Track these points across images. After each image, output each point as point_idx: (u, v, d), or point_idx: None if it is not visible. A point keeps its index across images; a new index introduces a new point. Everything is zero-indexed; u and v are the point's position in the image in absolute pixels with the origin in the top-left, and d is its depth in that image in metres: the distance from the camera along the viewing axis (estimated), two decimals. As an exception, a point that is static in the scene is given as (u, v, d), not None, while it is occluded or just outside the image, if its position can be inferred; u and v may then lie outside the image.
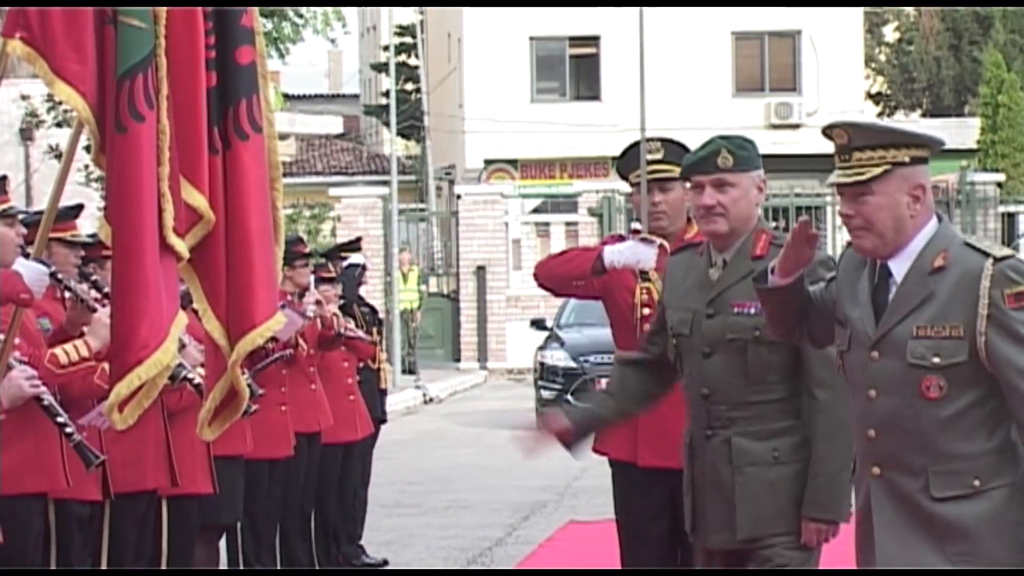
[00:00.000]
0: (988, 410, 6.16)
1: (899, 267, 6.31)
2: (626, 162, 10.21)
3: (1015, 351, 6.00)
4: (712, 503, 7.76)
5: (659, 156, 9.74)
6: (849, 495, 7.45)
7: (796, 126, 56.36)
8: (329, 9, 56.78)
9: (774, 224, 41.31)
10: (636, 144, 10.10)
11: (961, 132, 50.93)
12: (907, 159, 6.23)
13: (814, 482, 7.62)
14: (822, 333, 6.71)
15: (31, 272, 9.74)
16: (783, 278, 6.54)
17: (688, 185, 8.23)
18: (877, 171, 6.20)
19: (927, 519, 6.18)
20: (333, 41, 67.18)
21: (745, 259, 7.68)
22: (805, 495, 7.65)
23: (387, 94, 54.25)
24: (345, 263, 18.32)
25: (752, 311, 7.48)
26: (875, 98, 71.07)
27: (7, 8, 9.83)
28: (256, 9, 9.79)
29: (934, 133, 6.59)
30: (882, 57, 70.52)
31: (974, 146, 51.96)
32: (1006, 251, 6.18)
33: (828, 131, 6.35)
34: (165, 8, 8.84)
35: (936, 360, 6.10)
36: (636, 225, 10.55)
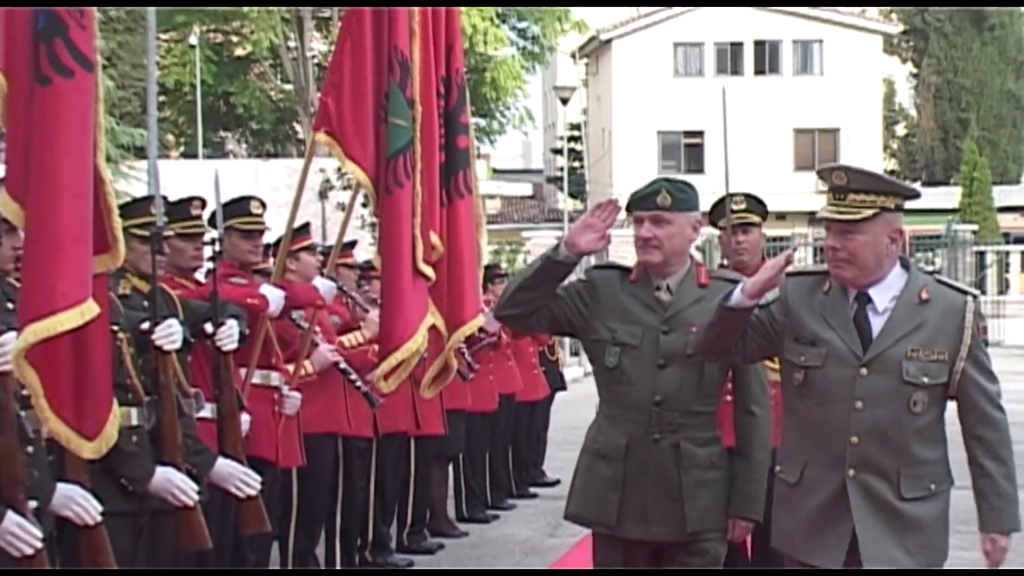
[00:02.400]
0: (941, 423, 6.18)
1: (880, 296, 6.15)
2: (717, 212, 10.04)
3: (978, 373, 6.10)
4: (655, 500, 7.03)
5: (742, 207, 9.71)
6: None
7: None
8: (523, 110, 58.74)
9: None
10: (723, 199, 9.92)
11: (948, 196, 58.19)
12: (892, 205, 6.05)
13: (748, 486, 7.10)
14: (755, 351, 6.45)
15: (325, 286, 10.56)
16: (751, 299, 6.20)
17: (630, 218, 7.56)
18: (868, 213, 5.99)
19: (895, 515, 6.11)
20: (526, 134, 69.54)
21: (692, 287, 7.14)
22: (736, 497, 7.08)
23: (562, 169, 55.55)
24: None
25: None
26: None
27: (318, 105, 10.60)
28: (469, 109, 11.00)
29: (919, 192, 6.45)
30: (894, 145, 72.39)
31: (956, 206, 57.94)
32: (970, 289, 6.24)
33: (827, 172, 6.15)
34: (420, 112, 9.97)
35: (925, 379, 6.03)
36: (723, 261, 10.26)
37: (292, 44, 57.54)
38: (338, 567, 12.47)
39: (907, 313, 6.07)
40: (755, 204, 9.81)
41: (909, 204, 6.31)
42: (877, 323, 6.10)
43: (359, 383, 11.42)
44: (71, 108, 6.35)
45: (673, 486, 7.02)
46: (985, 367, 6.15)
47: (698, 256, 7.60)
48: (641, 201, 7.15)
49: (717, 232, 10.40)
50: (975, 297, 6.16)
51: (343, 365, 11.36)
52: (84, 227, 6.41)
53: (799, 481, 6.21)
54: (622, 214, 7.52)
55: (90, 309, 6.41)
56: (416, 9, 10.09)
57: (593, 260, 8.54)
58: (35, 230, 6.33)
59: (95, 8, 6.64)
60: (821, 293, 6.22)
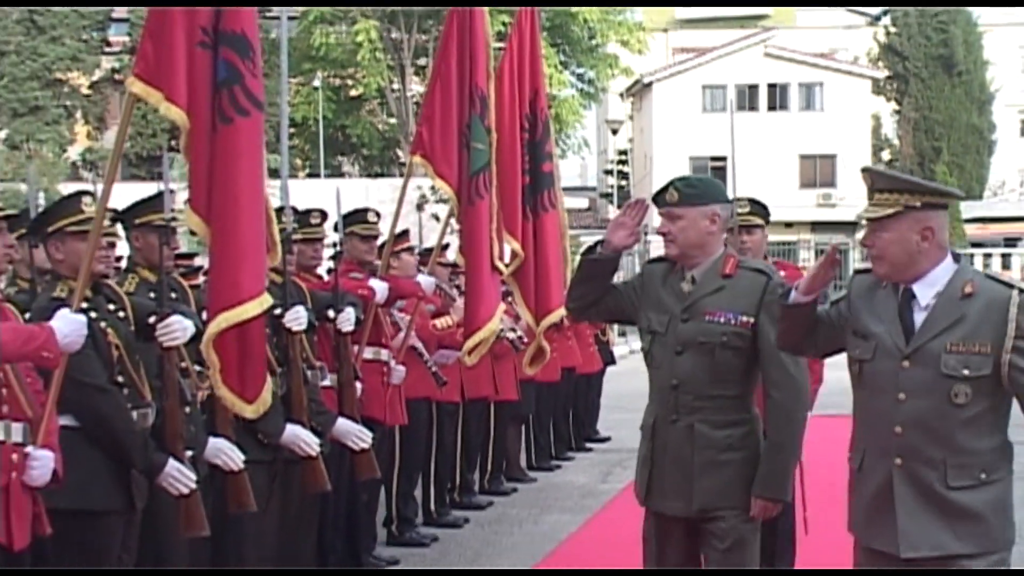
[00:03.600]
0: (997, 414, 5.32)
1: (923, 292, 5.37)
2: None
3: None
4: (671, 477, 6.38)
5: (746, 210, 9.05)
6: (792, 480, 6.50)
7: (833, 205, 58.87)
8: (581, 139, 59.01)
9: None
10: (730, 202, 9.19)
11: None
12: (918, 204, 5.31)
13: (767, 467, 6.30)
14: (826, 344, 5.78)
15: (426, 282, 10.53)
16: (806, 296, 5.60)
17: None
18: (890, 211, 5.33)
19: (942, 503, 5.27)
20: (583, 158, 69.41)
21: (715, 276, 6.36)
22: (757, 476, 6.28)
23: (611, 186, 55.62)
24: None
25: (721, 319, 6.32)
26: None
27: (414, 132, 10.50)
28: (553, 138, 11.29)
29: (948, 190, 5.61)
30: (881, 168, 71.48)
31: None
32: (1022, 284, 5.33)
33: (863, 172, 5.60)
34: (495, 137, 10.11)
35: (966, 372, 5.22)
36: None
37: (395, 86, 57.66)
38: (432, 510, 12.52)
39: (948, 308, 5.30)
40: (758, 208, 9.19)
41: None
42: (919, 317, 5.37)
43: (430, 364, 11.42)
44: (248, 140, 6.50)
45: (686, 464, 6.31)
46: None
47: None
48: (657, 199, 6.49)
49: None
50: (1022, 291, 5.25)
51: (418, 347, 11.29)
52: (259, 235, 6.55)
53: (860, 467, 5.52)
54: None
55: (266, 300, 6.60)
56: (503, 55, 10.64)
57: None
58: (219, 239, 6.45)
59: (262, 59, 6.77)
60: (880, 289, 5.52)
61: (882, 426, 5.36)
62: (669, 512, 6.40)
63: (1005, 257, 55.93)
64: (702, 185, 6.51)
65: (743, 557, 6.31)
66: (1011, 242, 57.64)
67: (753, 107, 63.63)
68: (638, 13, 60.00)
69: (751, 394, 6.45)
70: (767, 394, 6.39)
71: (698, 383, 6.30)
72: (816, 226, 57.41)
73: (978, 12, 67.44)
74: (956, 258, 5.39)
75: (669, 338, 6.39)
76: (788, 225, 54.26)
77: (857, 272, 5.71)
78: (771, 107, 63.88)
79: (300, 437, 7.64)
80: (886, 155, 67.50)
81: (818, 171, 60.66)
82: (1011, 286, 5.27)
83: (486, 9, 10.34)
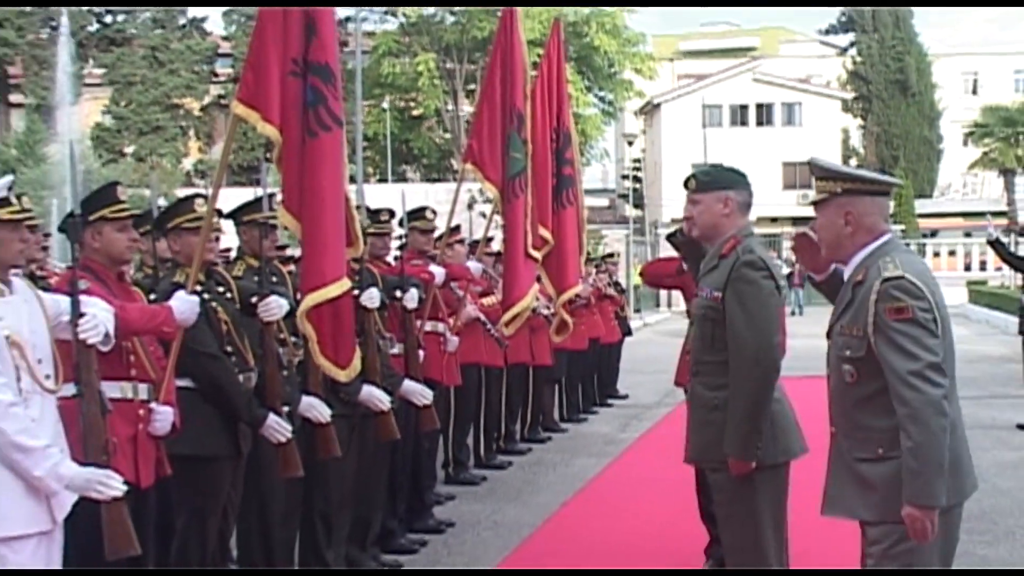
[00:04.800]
0: (890, 396, 4.57)
1: (847, 275, 4.90)
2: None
3: (888, 351, 4.52)
4: (688, 430, 6.02)
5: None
6: (754, 440, 5.64)
7: (811, 204, 57.89)
8: (602, 150, 59.99)
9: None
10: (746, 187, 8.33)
11: (883, 208, 56.89)
12: (839, 190, 4.87)
13: (727, 426, 5.67)
14: None
15: (475, 267, 10.55)
16: (820, 274, 5.21)
17: None
18: (820, 197, 4.95)
19: (851, 472, 4.73)
20: (604, 164, 69.93)
21: (715, 256, 5.87)
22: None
23: (628, 188, 55.37)
24: (611, 262, 19.64)
25: (704, 294, 5.86)
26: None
27: (465, 145, 10.50)
28: (575, 147, 11.30)
29: (863, 176, 5.00)
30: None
31: (891, 213, 56.67)
32: (895, 273, 4.60)
33: (808, 164, 5.25)
34: (531, 149, 10.14)
35: (847, 353, 4.71)
36: None
37: (449, 107, 57.89)
38: (482, 455, 12.57)
39: (845, 292, 4.80)
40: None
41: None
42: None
43: (491, 330, 11.54)
44: (331, 151, 6.46)
45: (690, 420, 5.99)
46: (895, 344, 4.52)
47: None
48: (685, 187, 6.04)
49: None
50: (886, 280, 4.59)
51: (482, 319, 11.50)
52: (339, 230, 6.53)
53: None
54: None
55: (346, 283, 6.58)
56: (534, 80, 10.61)
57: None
58: (308, 233, 6.45)
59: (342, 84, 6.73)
60: None
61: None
62: (685, 458, 6.06)
63: (951, 247, 56.02)
64: (716, 173, 6.15)
65: (736, 507, 5.73)
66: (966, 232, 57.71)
67: (744, 123, 63.72)
68: (649, 45, 59.85)
69: None
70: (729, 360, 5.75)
71: (696, 350, 5.96)
72: (796, 221, 57.04)
73: (928, 43, 67.57)
74: (880, 248, 4.79)
75: (692, 308, 6.18)
76: (773, 220, 54.18)
77: None
78: (759, 123, 63.87)
79: (374, 395, 7.61)
80: (853, 162, 67.13)
81: (798, 176, 60.28)
82: (882, 276, 4.62)
83: (524, 44, 10.40)
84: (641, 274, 9.82)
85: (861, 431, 4.69)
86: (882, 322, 4.56)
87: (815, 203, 4.96)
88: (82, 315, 5.09)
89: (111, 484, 4.93)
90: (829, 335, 4.86)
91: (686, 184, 6.05)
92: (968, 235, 56.60)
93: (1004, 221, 51.25)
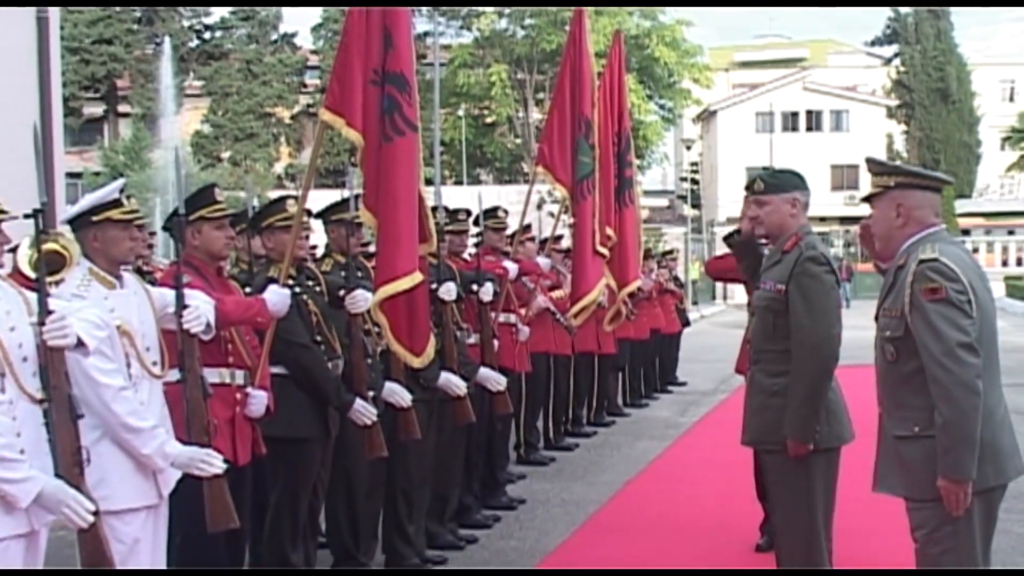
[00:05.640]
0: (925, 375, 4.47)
1: (893, 263, 4.74)
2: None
3: (922, 330, 4.42)
4: (745, 413, 5.93)
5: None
6: (813, 424, 5.61)
7: (857, 204, 57.08)
8: (662, 154, 60.24)
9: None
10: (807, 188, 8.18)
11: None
12: (892, 183, 4.74)
13: (787, 410, 5.61)
14: None
15: (544, 263, 10.69)
16: (885, 263, 4.89)
17: None
18: (875, 191, 4.80)
19: (893, 450, 4.64)
20: (664, 168, 68.89)
21: (779, 251, 5.82)
22: (785, 419, 5.63)
23: (686, 190, 55.10)
24: (671, 259, 19.66)
25: (768, 287, 5.79)
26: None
27: (537, 147, 10.59)
28: (632, 151, 11.42)
29: (917, 171, 4.89)
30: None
31: None
32: (931, 255, 4.51)
33: (866, 161, 5.03)
34: (598, 153, 10.28)
35: (887, 333, 4.61)
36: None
37: (520, 115, 57.86)
38: (551, 437, 12.53)
39: (890, 277, 4.71)
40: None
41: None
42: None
43: (561, 319, 11.49)
44: (405, 154, 6.45)
45: (747, 406, 5.92)
46: (930, 324, 4.42)
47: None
48: (748, 189, 6.09)
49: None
50: (922, 262, 4.50)
51: (552, 309, 11.47)
52: (412, 227, 6.50)
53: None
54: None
55: (417, 277, 6.53)
56: (598, 89, 10.64)
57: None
58: (383, 229, 6.45)
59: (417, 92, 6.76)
60: None
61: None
62: (742, 440, 6.00)
63: (990, 244, 55.34)
64: (783, 176, 6.06)
65: (790, 487, 5.68)
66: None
67: (794, 129, 63.20)
68: (706, 57, 59.55)
69: None
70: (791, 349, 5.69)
71: (758, 340, 5.90)
72: (844, 220, 56.70)
73: (967, 54, 66.78)
74: (930, 233, 4.69)
75: (753, 302, 6.07)
76: (822, 219, 53.81)
77: None
78: (808, 128, 63.33)
79: (452, 381, 7.62)
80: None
81: (845, 178, 59.89)
82: (920, 259, 4.54)
83: (591, 55, 10.44)
84: (707, 269, 9.96)
85: (901, 409, 4.62)
86: (917, 302, 4.48)
87: (870, 197, 4.86)
88: (186, 307, 5.15)
89: (212, 462, 4.99)
90: (877, 318, 4.77)
91: (751, 186, 6.02)
92: (1011, 232, 56.01)
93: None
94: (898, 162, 5.02)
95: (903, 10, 66.79)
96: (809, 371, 5.60)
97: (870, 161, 4.95)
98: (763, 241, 6.44)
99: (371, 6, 6.48)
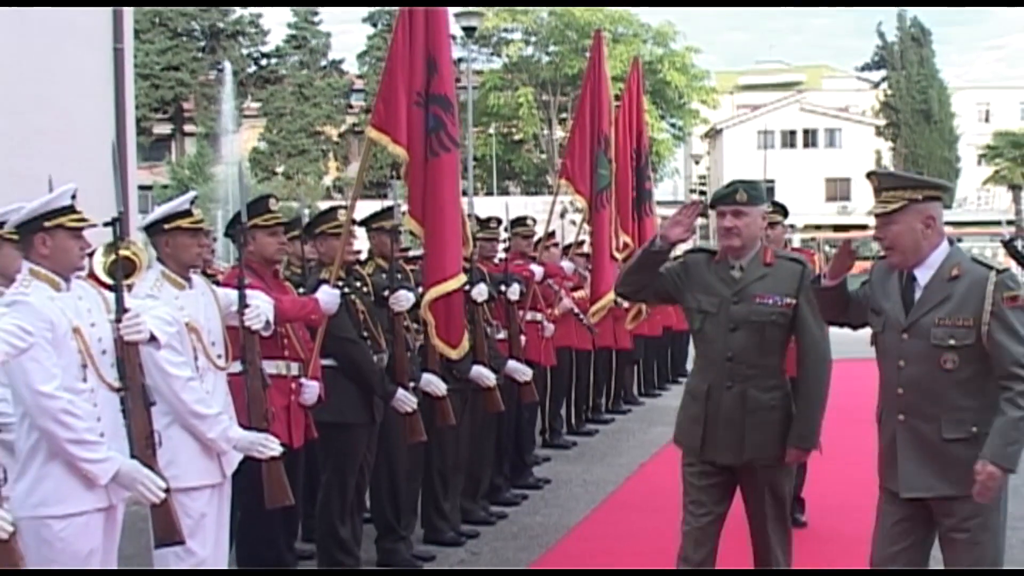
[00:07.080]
0: (985, 378, 4.34)
1: (922, 275, 4.52)
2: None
3: (1004, 335, 4.27)
4: (724, 434, 5.24)
5: (770, 210, 7.25)
6: (819, 432, 5.37)
7: (849, 213, 58.16)
8: (673, 168, 60.27)
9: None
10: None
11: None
12: (920, 197, 4.49)
13: (801, 421, 5.26)
14: (856, 319, 4.79)
15: (568, 266, 10.84)
16: (832, 281, 4.79)
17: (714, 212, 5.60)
18: (896, 205, 4.48)
19: (938, 453, 4.43)
20: (675, 180, 68.76)
21: (759, 265, 5.31)
22: (792, 430, 5.24)
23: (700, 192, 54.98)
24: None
25: (769, 301, 5.28)
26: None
27: (560, 161, 10.73)
28: (651, 165, 11.47)
29: (942, 183, 4.67)
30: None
31: None
32: (1003, 266, 4.47)
33: (868, 176, 4.70)
34: (615, 167, 10.33)
35: (952, 342, 4.37)
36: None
37: (545, 133, 57.84)
38: (573, 424, 12.45)
39: (938, 288, 4.45)
40: (779, 208, 7.87)
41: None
42: (917, 296, 4.52)
43: (582, 319, 11.36)
44: (449, 168, 6.50)
45: (738, 424, 5.23)
46: (1012, 329, 4.32)
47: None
48: (723, 199, 5.29)
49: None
50: (999, 271, 4.40)
51: (575, 310, 11.37)
52: (457, 233, 6.57)
53: (879, 421, 4.68)
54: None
55: (462, 278, 6.62)
56: (616, 108, 10.67)
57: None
58: (431, 236, 6.48)
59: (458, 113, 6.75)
60: (894, 273, 4.60)
61: (890, 388, 4.58)
62: (720, 462, 5.30)
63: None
64: (759, 188, 5.48)
65: (780, 496, 5.36)
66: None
67: (792, 145, 63.20)
68: (713, 80, 59.35)
69: (784, 362, 5.35)
70: (800, 361, 5.35)
71: (749, 355, 5.22)
72: (837, 228, 56.40)
73: (948, 79, 66.58)
74: (951, 243, 4.56)
75: (721, 317, 5.26)
76: (817, 227, 53.67)
77: (878, 259, 4.78)
78: (805, 145, 63.34)
79: (482, 373, 7.61)
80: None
81: (838, 190, 59.75)
82: (990, 268, 4.43)
83: (609, 78, 10.42)
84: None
85: (955, 412, 4.42)
86: (999, 310, 4.35)
87: (886, 213, 4.53)
88: (248, 306, 5.19)
89: (270, 445, 5.03)
90: (906, 330, 4.51)
91: (729, 197, 5.33)
92: (992, 240, 55.53)
93: (1012, 229, 50.22)
94: (913, 174, 4.72)
95: (890, 38, 66.45)
96: (823, 381, 5.36)
97: (889, 176, 4.66)
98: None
99: (418, 6, 6.46)
